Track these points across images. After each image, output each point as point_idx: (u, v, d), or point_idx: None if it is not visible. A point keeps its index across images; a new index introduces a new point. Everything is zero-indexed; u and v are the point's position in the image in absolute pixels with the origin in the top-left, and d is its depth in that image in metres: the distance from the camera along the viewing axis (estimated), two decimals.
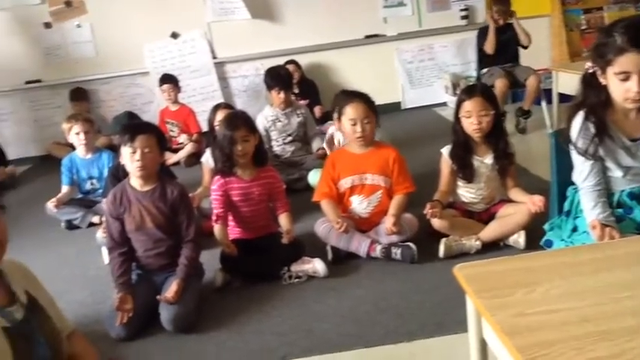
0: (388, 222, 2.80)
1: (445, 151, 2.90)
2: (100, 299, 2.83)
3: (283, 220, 2.92)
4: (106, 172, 3.82)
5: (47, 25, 6.10)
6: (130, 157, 2.49)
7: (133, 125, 2.81)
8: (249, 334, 2.38)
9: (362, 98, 2.93)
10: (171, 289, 2.45)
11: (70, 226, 3.90)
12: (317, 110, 5.47)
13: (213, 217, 2.87)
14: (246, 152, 2.85)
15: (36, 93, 6.27)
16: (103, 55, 6.14)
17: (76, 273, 3.22)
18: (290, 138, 4.19)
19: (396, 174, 2.94)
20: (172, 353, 2.31)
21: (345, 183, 2.97)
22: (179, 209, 2.59)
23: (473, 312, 1.30)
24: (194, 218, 2.68)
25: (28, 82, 6.20)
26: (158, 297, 2.45)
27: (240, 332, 2.40)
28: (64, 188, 3.96)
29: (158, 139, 2.58)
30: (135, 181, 2.58)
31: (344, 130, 2.98)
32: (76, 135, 3.88)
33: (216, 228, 2.84)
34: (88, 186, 3.99)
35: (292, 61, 5.87)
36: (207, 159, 3.61)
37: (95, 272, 3.17)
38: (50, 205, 3.80)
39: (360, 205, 2.96)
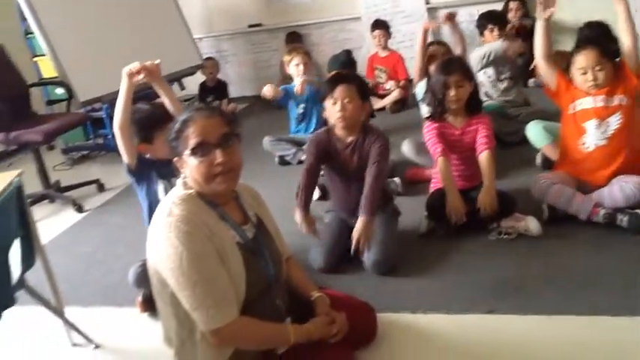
0: None
1: None
2: None
3: (482, 160, 2.68)
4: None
5: None
6: (332, 109, 2.52)
7: (333, 77, 2.78)
8: (451, 283, 2.35)
9: (593, 45, 2.63)
10: (359, 226, 2.45)
11: (283, 161, 4.19)
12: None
13: (437, 151, 2.72)
14: (460, 98, 2.74)
15: (256, 36, 6.73)
16: (319, 1, 6.33)
17: (286, 205, 3.42)
18: (504, 76, 3.96)
19: None
20: (373, 289, 2.36)
21: (583, 102, 2.69)
22: (373, 149, 2.52)
23: None
24: (385, 162, 2.58)
25: (250, 26, 6.65)
26: (351, 249, 2.45)
27: (442, 280, 2.38)
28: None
29: (359, 89, 2.54)
30: (339, 130, 2.59)
31: (575, 80, 2.71)
32: (295, 66, 4.12)
33: (440, 161, 2.70)
34: (300, 110, 4.24)
35: None
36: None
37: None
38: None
39: (596, 130, 2.66)
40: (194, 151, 1.58)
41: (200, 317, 1.54)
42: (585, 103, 2.68)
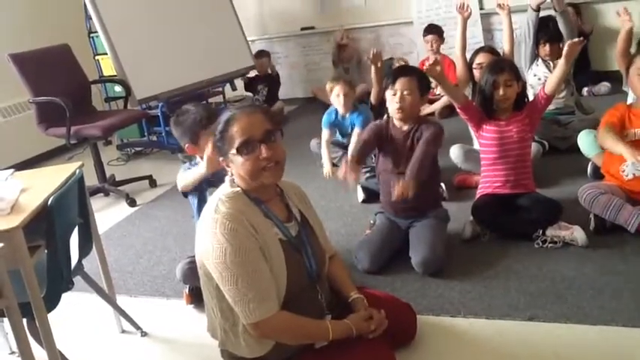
0: None
1: None
2: (352, 232, 3.03)
3: (552, 75, 2.73)
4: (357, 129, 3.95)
5: None
6: (391, 99, 2.59)
7: (396, 69, 2.87)
8: (494, 288, 2.34)
9: None
10: (400, 184, 2.44)
11: None
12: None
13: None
14: (508, 97, 2.74)
15: (308, 39, 6.80)
16: (371, 4, 6.38)
17: (332, 206, 3.49)
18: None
19: None
20: (415, 291, 2.39)
21: (629, 135, 2.65)
22: (425, 135, 2.56)
23: None
24: (435, 142, 2.59)
25: (303, 29, 6.74)
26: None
27: (485, 285, 2.37)
28: (324, 132, 4.22)
29: (419, 82, 2.60)
30: (397, 121, 2.66)
31: (633, 84, 2.66)
32: (336, 97, 4.11)
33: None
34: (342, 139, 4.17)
35: (572, 4, 5.39)
36: None
37: (349, 208, 3.40)
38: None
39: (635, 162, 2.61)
40: (240, 150, 1.63)
41: (241, 310, 1.60)
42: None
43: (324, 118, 4.09)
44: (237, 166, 1.67)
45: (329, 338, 1.70)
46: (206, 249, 1.62)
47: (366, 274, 2.56)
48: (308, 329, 1.71)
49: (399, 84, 2.56)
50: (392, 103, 2.59)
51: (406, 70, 2.69)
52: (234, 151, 1.65)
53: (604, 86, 5.17)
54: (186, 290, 2.55)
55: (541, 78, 3.89)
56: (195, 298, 2.49)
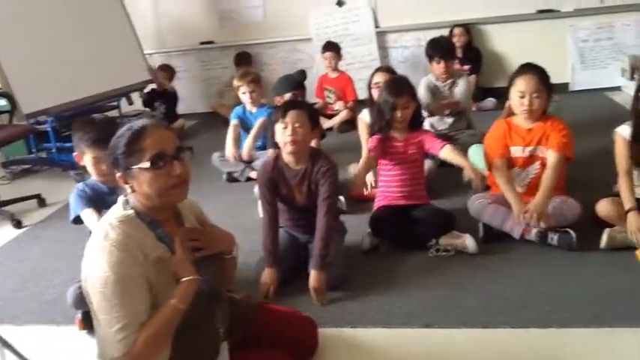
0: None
1: (622, 130, 2.66)
2: (255, 248, 2.97)
3: (447, 153, 2.82)
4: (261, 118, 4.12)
5: None
6: (282, 133, 2.51)
7: (285, 103, 2.84)
8: (394, 297, 2.41)
9: (536, 71, 2.78)
10: (312, 279, 2.43)
11: (231, 178, 4.20)
12: (472, 79, 5.37)
13: (370, 147, 2.90)
14: (405, 118, 2.86)
15: (208, 53, 6.74)
16: (270, 21, 6.43)
17: (235, 222, 3.43)
18: (448, 112, 4.11)
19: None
20: (318, 305, 2.40)
21: (515, 151, 2.84)
22: (322, 182, 2.53)
23: None
24: (335, 197, 2.60)
25: (202, 43, 6.67)
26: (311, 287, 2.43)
27: (385, 294, 2.44)
28: (233, 122, 4.28)
29: (310, 115, 2.57)
30: (287, 157, 2.58)
31: (513, 104, 2.85)
32: (242, 94, 4.18)
33: (365, 157, 2.89)
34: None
35: (461, 25, 5.78)
36: (365, 115, 3.67)
37: (252, 223, 3.35)
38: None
39: (517, 177, 2.83)
40: (153, 163, 1.54)
41: (110, 343, 1.51)
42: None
43: (234, 111, 4.29)
44: (143, 182, 1.56)
45: (180, 305, 1.55)
46: (90, 276, 1.52)
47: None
48: (165, 323, 1.55)
49: (290, 117, 2.50)
50: (284, 136, 2.51)
51: (296, 103, 2.70)
52: (144, 164, 1.54)
53: (490, 101, 5.52)
54: (79, 315, 2.41)
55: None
56: (89, 323, 2.34)
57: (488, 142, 2.94)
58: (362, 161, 2.88)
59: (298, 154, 2.55)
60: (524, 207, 2.66)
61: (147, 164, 1.54)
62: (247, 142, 4.13)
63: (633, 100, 2.64)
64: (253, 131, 4.12)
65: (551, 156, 2.75)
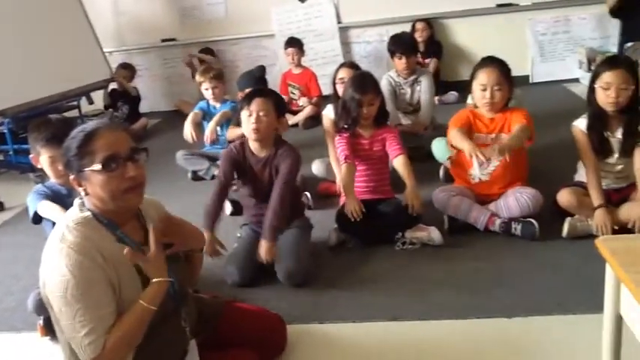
0: None
1: (579, 123, 2.72)
2: None
3: (399, 165, 2.85)
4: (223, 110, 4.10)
5: None
6: (247, 120, 2.54)
7: (251, 91, 2.80)
8: (362, 291, 2.43)
9: (497, 64, 2.82)
10: (262, 250, 2.50)
11: (196, 177, 4.15)
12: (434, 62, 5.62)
13: (342, 158, 2.88)
14: (371, 115, 2.88)
15: (170, 51, 6.65)
16: (232, 17, 6.37)
17: (201, 221, 3.39)
18: (411, 108, 4.14)
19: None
20: (286, 301, 2.40)
21: (478, 138, 2.85)
22: (281, 164, 2.58)
23: (612, 286, 1.23)
24: (293, 180, 2.65)
25: (163, 40, 6.57)
26: (258, 259, 2.51)
27: (352, 289, 2.45)
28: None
29: (276, 104, 2.59)
30: (252, 144, 2.62)
31: (475, 96, 2.89)
32: (205, 90, 4.16)
33: (344, 166, 2.85)
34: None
35: (423, 19, 5.85)
36: (329, 112, 3.66)
37: (219, 223, 3.33)
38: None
39: (481, 166, 2.84)
40: (105, 165, 1.50)
41: (76, 348, 1.48)
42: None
43: (198, 104, 4.26)
44: (95, 185, 1.52)
45: (151, 304, 1.54)
46: (49, 281, 1.47)
47: (236, 288, 2.53)
48: (135, 324, 1.52)
49: (255, 105, 2.52)
50: (248, 124, 2.54)
51: (262, 91, 2.67)
52: (95, 167, 1.50)
53: (452, 95, 5.58)
54: (40, 322, 2.35)
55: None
56: (51, 329, 2.29)
57: (451, 123, 2.93)
58: (343, 172, 2.86)
59: (262, 142, 2.59)
60: (477, 148, 2.64)
61: (98, 166, 1.50)
62: (210, 126, 4.00)
63: (588, 91, 2.70)
64: (216, 118, 4.02)
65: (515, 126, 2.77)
